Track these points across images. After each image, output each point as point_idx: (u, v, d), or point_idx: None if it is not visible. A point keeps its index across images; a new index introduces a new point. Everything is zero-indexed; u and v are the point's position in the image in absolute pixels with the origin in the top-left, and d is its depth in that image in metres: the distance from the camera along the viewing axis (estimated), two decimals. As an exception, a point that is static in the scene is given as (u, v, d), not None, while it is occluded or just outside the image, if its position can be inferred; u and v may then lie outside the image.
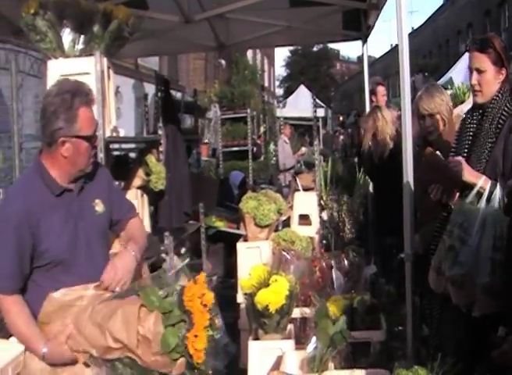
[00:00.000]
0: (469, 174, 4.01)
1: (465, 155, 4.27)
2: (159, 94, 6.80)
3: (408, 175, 3.96)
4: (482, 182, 3.86)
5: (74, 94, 3.49)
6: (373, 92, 8.70)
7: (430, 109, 5.35)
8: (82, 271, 3.58)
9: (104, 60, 4.72)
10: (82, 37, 4.82)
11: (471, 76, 4.22)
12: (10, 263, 3.45)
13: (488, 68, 4.09)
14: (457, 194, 4.11)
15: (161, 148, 6.26)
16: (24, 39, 5.44)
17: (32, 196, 3.52)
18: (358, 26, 7.89)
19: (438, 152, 4.50)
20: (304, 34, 8.87)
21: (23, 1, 4.98)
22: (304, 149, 16.75)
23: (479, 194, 3.85)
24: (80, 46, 4.83)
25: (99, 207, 3.72)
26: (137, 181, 5.37)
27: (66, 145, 3.48)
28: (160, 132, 6.39)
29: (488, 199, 3.76)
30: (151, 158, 5.77)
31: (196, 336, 3.15)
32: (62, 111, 3.44)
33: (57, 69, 4.75)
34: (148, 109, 7.59)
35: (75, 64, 4.75)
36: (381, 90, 9.01)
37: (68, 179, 3.59)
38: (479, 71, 4.15)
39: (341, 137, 23.98)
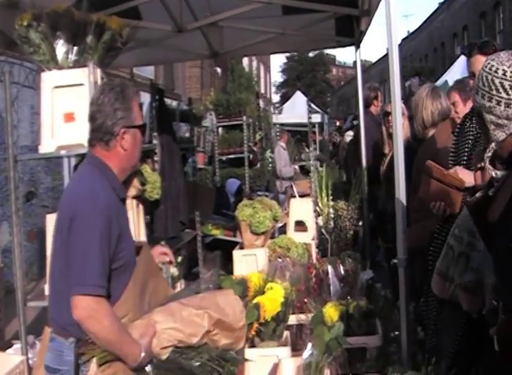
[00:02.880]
0: (469, 178, 4.05)
1: (465, 158, 4.31)
2: (154, 103, 6.81)
3: (400, 179, 3.97)
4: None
5: (125, 87, 3.61)
6: (375, 97, 8.81)
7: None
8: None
9: (98, 71, 4.73)
10: (75, 48, 4.82)
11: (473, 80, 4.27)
12: (102, 260, 3.29)
13: None
14: (459, 204, 4.15)
15: (156, 158, 6.25)
16: (19, 51, 5.44)
17: (110, 194, 3.48)
18: (351, 32, 7.91)
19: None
20: (297, 41, 8.88)
21: (17, 14, 5.00)
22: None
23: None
24: (73, 57, 4.83)
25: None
26: (132, 191, 5.36)
27: (126, 137, 3.54)
28: (155, 141, 6.39)
29: None
30: (145, 168, 5.76)
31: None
32: (119, 102, 3.53)
33: (51, 81, 4.76)
34: (143, 119, 7.60)
35: (68, 75, 4.75)
36: (379, 95, 9.14)
37: (122, 178, 3.64)
38: None
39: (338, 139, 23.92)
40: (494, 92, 2.79)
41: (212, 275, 4.18)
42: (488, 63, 2.85)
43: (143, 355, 3.27)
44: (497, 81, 2.78)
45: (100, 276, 3.24)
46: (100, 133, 3.54)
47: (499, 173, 2.95)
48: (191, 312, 3.44)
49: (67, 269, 3.30)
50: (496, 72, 2.80)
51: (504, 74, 2.78)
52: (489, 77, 2.82)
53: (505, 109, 2.77)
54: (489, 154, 3.04)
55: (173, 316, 3.42)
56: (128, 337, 3.28)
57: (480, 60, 4.26)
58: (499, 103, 2.79)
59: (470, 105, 4.83)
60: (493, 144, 2.95)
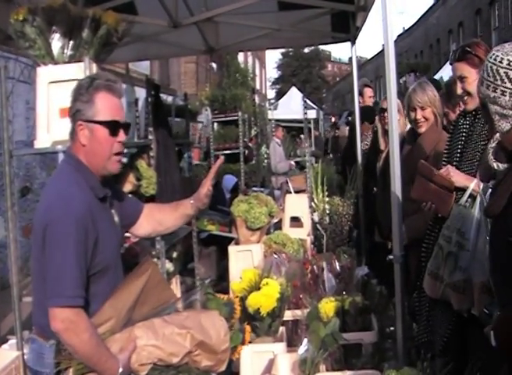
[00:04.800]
0: (460, 178, 4.07)
1: (458, 156, 4.33)
2: (149, 99, 6.80)
3: (395, 175, 3.97)
4: (474, 185, 3.91)
5: (94, 78, 3.44)
6: (360, 93, 8.76)
7: (423, 102, 5.40)
8: (120, 279, 3.50)
9: (94, 66, 4.71)
10: (71, 43, 4.80)
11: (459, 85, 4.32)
12: (79, 269, 3.17)
13: (469, 73, 4.19)
14: (450, 206, 4.15)
15: (151, 153, 6.25)
16: (14, 45, 5.43)
17: (87, 195, 3.34)
18: (347, 28, 7.92)
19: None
20: (293, 37, 8.88)
21: (12, 8, 4.98)
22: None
23: (473, 197, 3.90)
24: (69, 52, 4.81)
25: (116, 218, 3.65)
26: (128, 186, 5.36)
27: (85, 132, 3.37)
28: (150, 137, 6.38)
29: (482, 201, 3.80)
30: (141, 163, 5.76)
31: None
32: (79, 93, 3.37)
33: (46, 76, 4.74)
34: (139, 114, 7.59)
35: (64, 70, 4.72)
36: (368, 91, 9.11)
37: (98, 173, 3.46)
38: (461, 79, 4.24)
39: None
40: (499, 82, 2.79)
41: (201, 288, 4.15)
42: (493, 54, 2.85)
43: (121, 370, 3.19)
44: (502, 71, 2.78)
45: (77, 286, 3.16)
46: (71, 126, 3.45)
47: (502, 166, 2.94)
48: (174, 331, 3.37)
49: (43, 277, 3.23)
50: (500, 62, 2.79)
51: (509, 64, 2.77)
52: (494, 68, 2.81)
53: (510, 99, 2.76)
54: (493, 144, 3.02)
55: (155, 333, 3.34)
56: (106, 351, 3.19)
57: (456, 67, 4.30)
58: (503, 93, 2.78)
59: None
60: (498, 135, 2.94)
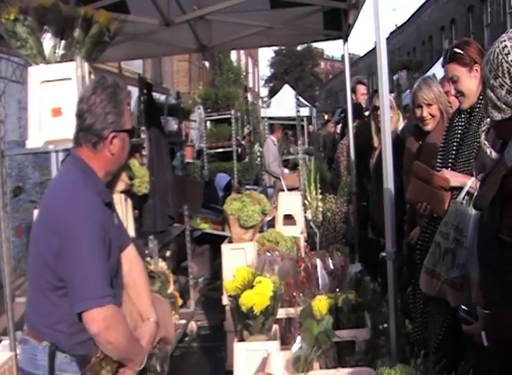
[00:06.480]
0: (457, 179, 4.08)
1: (453, 154, 4.33)
2: (142, 97, 6.80)
3: (388, 172, 3.97)
4: (472, 182, 3.91)
5: (118, 88, 3.46)
6: (353, 90, 8.72)
7: (429, 99, 5.38)
8: (120, 282, 3.51)
9: (85, 65, 4.70)
10: (63, 42, 4.79)
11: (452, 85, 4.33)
12: (104, 268, 3.20)
13: (460, 72, 4.20)
14: (446, 205, 4.16)
15: (144, 152, 6.25)
16: (6, 45, 5.41)
17: (97, 198, 3.34)
18: (339, 25, 7.91)
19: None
20: (285, 35, 8.87)
21: (3, 7, 4.97)
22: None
23: (470, 195, 3.90)
24: (60, 51, 4.80)
25: (117, 221, 3.63)
26: (121, 185, 5.34)
27: (115, 141, 3.39)
28: (143, 136, 6.38)
29: None
30: (134, 162, 5.74)
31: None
32: (111, 106, 3.37)
33: (38, 76, 4.73)
34: (131, 113, 7.57)
35: (56, 70, 4.72)
36: (361, 88, 9.07)
37: (106, 179, 3.51)
38: (453, 80, 4.25)
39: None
40: (500, 74, 2.69)
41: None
42: (504, 41, 2.71)
43: (146, 356, 3.31)
44: (505, 65, 2.67)
45: (107, 284, 3.17)
46: (88, 134, 3.38)
47: (494, 154, 2.87)
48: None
49: (50, 275, 3.21)
50: (506, 55, 2.67)
51: None
52: (500, 57, 2.69)
53: (505, 95, 2.68)
54: (484, 128, 2.94)
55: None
56: (137, 340, 3.30)
57: (448, 68, 4.32)
58: (501, 86, 2.68)
59: None
60: (489, 120, 2.86)
